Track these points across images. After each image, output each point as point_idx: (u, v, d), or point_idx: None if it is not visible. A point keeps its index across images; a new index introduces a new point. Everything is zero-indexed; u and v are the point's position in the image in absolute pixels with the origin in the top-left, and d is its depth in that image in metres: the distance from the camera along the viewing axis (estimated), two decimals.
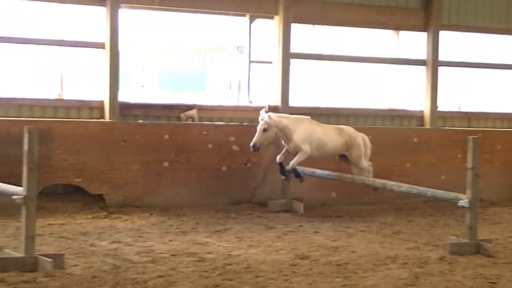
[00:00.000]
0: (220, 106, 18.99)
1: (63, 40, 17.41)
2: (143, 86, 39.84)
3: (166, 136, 17.19)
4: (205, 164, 17.46)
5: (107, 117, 16.99)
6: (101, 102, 17.11)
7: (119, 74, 17.26)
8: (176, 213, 16.28)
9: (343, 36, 20.95)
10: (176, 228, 14.85)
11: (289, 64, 18.73)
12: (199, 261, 11.87)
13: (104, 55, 17.15)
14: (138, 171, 16.88)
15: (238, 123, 18.27)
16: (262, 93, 19.86)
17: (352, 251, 12.99)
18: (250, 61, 18.85)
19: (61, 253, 11.32)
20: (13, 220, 14.47)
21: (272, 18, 18.69)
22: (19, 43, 17.40)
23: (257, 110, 17.86)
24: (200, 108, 18.21)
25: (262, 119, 15.75)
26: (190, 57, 39.12)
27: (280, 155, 16.49)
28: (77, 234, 13.86)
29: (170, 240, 13.52)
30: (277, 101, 18.59)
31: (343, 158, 16.87)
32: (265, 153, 17.62)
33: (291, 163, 16.09)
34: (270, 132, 15.81)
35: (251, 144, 15.75)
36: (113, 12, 16.95)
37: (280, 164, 16.43)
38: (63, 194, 16.39)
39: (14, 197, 10.69)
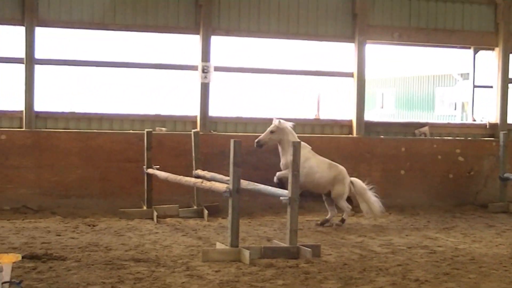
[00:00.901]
0: (448, 123, 18.78)
1: (319, 71, 17.66)
2: (382, 107, 39.71)
3: (403, 149, 17.07)
4: (435, 172, 17.23)
5: (354, 133, 17.08)
6: (350, 121, 17.20)
7: (364, 98, 17.30)
8: (411, 213, 16.08)
9: None
10: (411, 225, 14.65)
11: (507, 88, 18.20)
12: (430, 253, 11.63)
13: (352, 83, 17.22)
14: (379, 177, 16.78)
15: (463, 138, 17.92)
16: (483, 112, 19.34)
17: None
18: (474, 86, 18.49)
19: (318, 244, 11.38)
20: (278, 217, 14.75)
21: (492, 49, 18.20)
22: (282, 73, 17.72)
23: (479, 127, 17.55)
24: (431, 126, 18.09)
25: (273, 123, 14.47)
26: (421, 82, 38.63)
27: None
28: (329, 228, 13.91)
29: (406, 235, 13.33)
30: (496, 119, 18.09)
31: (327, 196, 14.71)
32: (486, 163, 17.45)
33: (276, 176, 14.31)
34: (276, 135, 14.36)
35: (256, 140, 14.36)
36: (360, 47, 17.01)
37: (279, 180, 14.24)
38: (318, 196, 16.45)
39: (281, 198, 10.82)
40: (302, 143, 14.45)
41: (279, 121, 14.42)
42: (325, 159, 14.84)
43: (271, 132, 14.41)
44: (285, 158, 14.24)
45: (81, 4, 15.63)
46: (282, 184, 13.94)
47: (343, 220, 14.42)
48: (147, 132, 14.81)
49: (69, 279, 9.17)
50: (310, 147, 14.82)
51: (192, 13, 16.20)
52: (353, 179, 14.74)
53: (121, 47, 16.65)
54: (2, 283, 7.28)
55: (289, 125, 14.54)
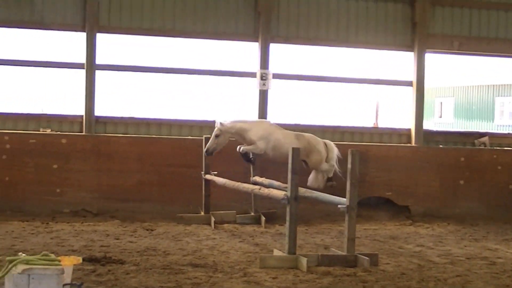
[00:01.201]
0: (508, 134, 18.62)
1: (378, 79, 17.56)
2: (440, 117, 39.41)
3: (462, 159, 16.90)
4: (495, 183, 17.01)
5: (413, 142, 17.00)
6: (409, 130, 17.12)
7: (423, 107, 17.20)
8: (470, 223, 15.90)
9: None
10: (470, 235, 14.48)
11: None
12: (490, 264, 11.48)
13: (411, 91, 17.13)
14: (438, 187, 16.69)
15: None
16: None
17: None
18: None
19: (375, 253, 11.31)
20: (335, 225, 14.71)
21: None
22: (340, 81, 17.61)
23: None
24: (492, 136, 17.94)
25: (216, 126, 14.23)
26: (481, 92, 38.23)
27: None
28: (387, 238, 13.82)
29: (465, 246, 13.19)
30: None
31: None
32: None
33: (242, 148, 14.26)
34: (222, 138, 14.16)
35: (205, 149, 14.28)
36: (420, 56, 16.92)
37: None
38: (376, 205, 16.41)
39: (339, 206, 10.77)
40: (260, 120, 14.54)
41: (220, 123, 14.19)
42: (290, 131, 14.72)
43: (216, 136, 14.23)
44: (248, 140, 14.19)
45: (141, 11, 15.82)
46: (246, 156, 14.23)
47: (330, 179, 14.46)
48: (205, 138, 14.89)
49: (127, 282, 9.26)
50: (270, 120, 14.69)
51: (251, 20, 16.28)
52: (326, 141, 14.78)
53: (181, 53, 16.76)
54: (64, 285, 7.39)
55: (233, 120, 14.41)
